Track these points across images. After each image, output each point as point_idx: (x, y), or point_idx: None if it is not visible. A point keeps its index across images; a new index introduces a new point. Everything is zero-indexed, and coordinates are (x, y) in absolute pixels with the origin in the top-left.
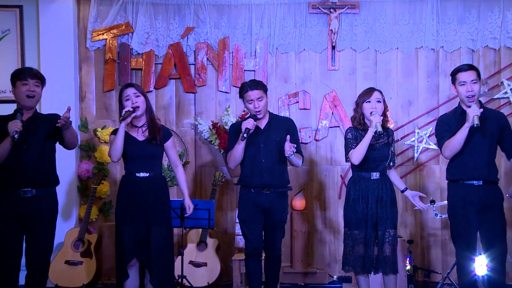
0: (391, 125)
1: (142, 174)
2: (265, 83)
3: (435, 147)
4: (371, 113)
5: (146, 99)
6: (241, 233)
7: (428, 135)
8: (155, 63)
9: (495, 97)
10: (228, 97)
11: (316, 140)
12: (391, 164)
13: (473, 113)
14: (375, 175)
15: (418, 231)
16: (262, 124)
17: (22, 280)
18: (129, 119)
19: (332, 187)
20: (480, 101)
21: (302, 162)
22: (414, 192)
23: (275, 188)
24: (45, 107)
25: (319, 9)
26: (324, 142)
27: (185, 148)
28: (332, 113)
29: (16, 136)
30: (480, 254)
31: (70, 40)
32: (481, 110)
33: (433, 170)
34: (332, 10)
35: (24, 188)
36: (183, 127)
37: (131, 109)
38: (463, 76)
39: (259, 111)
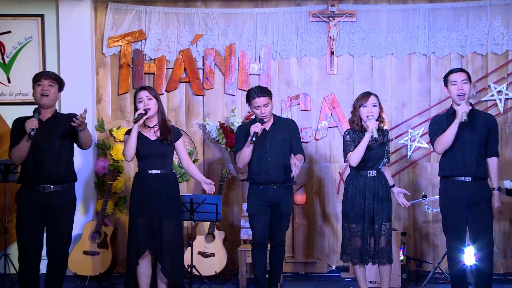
0: (385, 126)
1: (154, 171)
2: (269, 87)
3: (427, 146)
4: (367, 117)
5: (158, 102)
6: (246, 226)
7: (420, 134)
8: (166, 68)
9: (483, 99)
10: (234, 99)
11: (316, 140)
12: (385, 161)
13: (462, 109)
14: (372, 173)
15: (411, 224)
16: (268, 126)
17: (44, 269)
18: (141, 121)
19: (331, 183)
20: (470, 103)
21: (304, 161)
22: (400, 189)
23: (281, 183)
24: (65, 108)
25: (319, 17)
26: (324, 141)
27: (194, 147)
28: (331, 114)
29: (32, 133)
30: (469, 245)
31: (87, 47)
32: (470, 107)
33: (425, 167)
34: (331, 18)
35: (44, 184)
36: (192, 127)
37: (143, 112)
38: (454, 76)
39: (265, 116)
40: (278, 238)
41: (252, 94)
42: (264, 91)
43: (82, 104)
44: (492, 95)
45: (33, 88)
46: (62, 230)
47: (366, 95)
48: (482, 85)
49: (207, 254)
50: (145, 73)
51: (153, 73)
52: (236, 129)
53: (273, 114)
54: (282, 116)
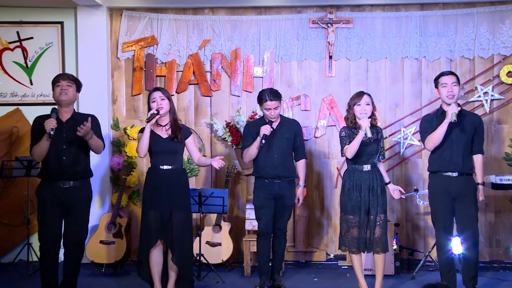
0: (378, 123)
1: (165, 167)
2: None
3: (418, 143)
4: (360, 114)
5: (170, 102)
6: (250, 218)
7: (412, 133)
8: (176, 71)
9: (470, 100)
10: (239, 100)
11: (316, 137)
12: (380, 157)
13: (452, 110)
14: (367, 167)
15: (403, 216)
16: (275, 125)
17: (62, 257)
18: (153, 120)
19: (329, 178)
20: (459, 104)
21: (307, 159)
22: (396, 186)
23: (285, 177)
24: (83, 108)
25: (318, 24)
26: (322, 139)
27: (202, 144)
28: (330, 114)
29: (51, 133)
30: (456, 236)
31: (103, 51)
32: (459, 108)
33: (416, 163)
34: (329, 24)
35: (63, 180)
36: (200, 126)
37: (156, 112)
38: (445, 79)
39: (273, 118)
40: (281, 227)
41: (264, 96)
42: (276, 96)
43: (99, 104)
44: (479, 96)
45: (53, 90)
46: (79, 222)
47: (360, 94)
48: (470, 87)
49: (214, 244)
50: (156, 76)
51: (164, 76)
52: (241, 127)
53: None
54: (286, 116)
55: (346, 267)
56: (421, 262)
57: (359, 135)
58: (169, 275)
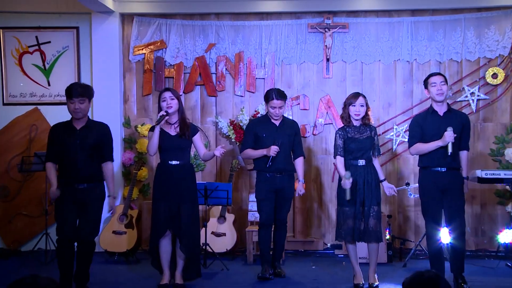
0: (372, 122)
1: (174, 162)
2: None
3: None
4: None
5: (179, 102)
6: (253, 210)
7: (404, 130)
8: (184, 73)
9: (458, 100)
10: (242, 100)
11: (314, 135)
12: (375, 153)
13: (450, 139)
14: (361, 162)
15: (396, 208)
16: (278, 121)
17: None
18: (163, 122)
19: (327, 172)
20: (447, 103)
21: (304, 158)
22: (390, 185)
23: (286, 172)
24: (97, 107)
25: (316, 29)
26: (320, 136)
27: (208, 141)
28: (327, 113)
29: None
30: (445, 226)
31: (116, 54)
32: (455, 135)
33: (408, 159)
34: (326, 29)
35: (78, 183)
36: (206, 124)
37: (164, 113)
38: (434, 79)
39: (277, 116)
40: (282, 218)
41: (271, 95)
42: (282, 96)
43: (112, 103)
44: (466, 97)
45: (67, 101)
46: (92, 220)
47: (356, 95)
48: (457, 88)
49: (219, 234)
50: (165, 77)
51: (173, 77)
52: (244, 125)
53: None
54: (286, 117)
55: (342, 255)
56: (412, 251)
57: (435, 143)
58: (177, 263)
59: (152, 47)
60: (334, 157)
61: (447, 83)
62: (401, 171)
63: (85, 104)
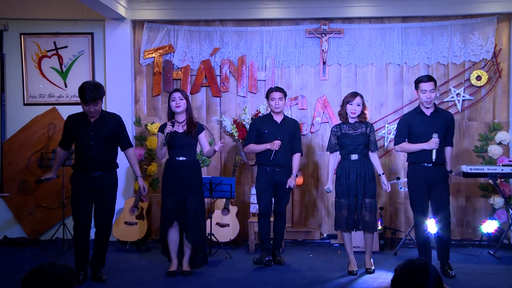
0: (368, 120)
1: (181, 158)
2: None
3: None
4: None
5: (188, 102)
6: (254, 202)
7: (395, 129)
8: (190, 75)
9: (445, 100)
10: (245, 100)
11: (311, 132)
12: (372, 148)
13: (436, 145)
14: (354, 157)
15: (387, 200)
16: (279, 119)
17: (92, 236)
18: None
19: (323, 168)
20: (434, 103)
21: (302, 154)
22: (385, 181)
23: (285, 166)
24: (110, 107)
25: (313, 34)
26: (317, 134)
27: (213, 139)
28: (323, 112)
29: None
30: (431, 217)
31: (128, 58)
32: (438, 140)
33: (398, 155)
34: (323, 35)
35: (93, 171)
36: (211, 122)
37: (171, 129)
38: (424, 86)
39: (278, 107)
40: (281, 210)
41: (271, 89)
42: (280, 89)
43: (124, 103)
44: (452, 97)
45: (81, 101)
46: (106, 206)
47: (354, 95)
48: (444, 89)
49: (223, 225)
50: (173, 79)
51: (180, 79)
52: (247, 124)
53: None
54: (287, 115)
55: (337, 244)
56: (402, 240)
57: (420, 146)
58: (184, 251)
59: (161, 51)
60: (327, 150)
61: (436, 88)
62: (392, 167)
63: (98, 105)
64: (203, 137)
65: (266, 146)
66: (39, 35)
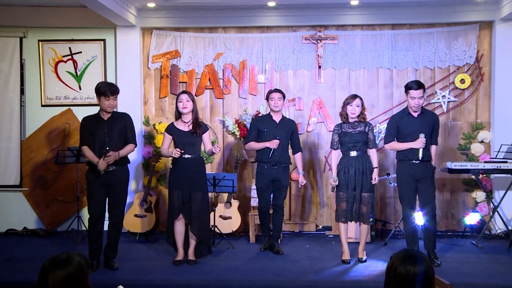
0: (367, 120)
1: (186, 156)
2: None
3: None
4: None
5: (194, 103)
6: (255, 197)
7: (385, 128)
8: (195, 78)
9: (431, 101)
10: (246, 102)
11: (308, 132)
12: (370, 145)
13: (422, 145)
14: (353, 153)
15: (377, 194)
16: (278, 119)
17: (105, 227)
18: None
19: (318, 164)
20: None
21: (302, 152)
22: (376, 175)
23: (281, 164)
24: (121, 108)
25: (310, 40)
26: (313, 133)
27: (216, 137)
28: (319, 113)
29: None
30: (419, 210)
31: (137, 62)
32: (425, 140)
33: (388, 153)
34: (318, 41)
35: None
36: (214, 122)
37: (179, 155)
38: (413, 93)
39: (277, 107)
40: (279, 204)
41: (271, 90)
42: (279, 90)
43: (133, 105)
44: (438, 99)
45: (100, 98)
46: (119, 199)
47: (353, 96)
48: (431, 91)
49: (226, 217)
50: (179, 82)
51: (186, 82)
52: (248, 124)
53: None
54: (285, 116)
55: (332, 236)
56: (392, 231)
57: (408, 145)
58: (189, 242)
59: (168, 56)
60: (330, 148)
61: (424, 94)
62: (382, 164)
63: (116, 101)
64: (206, 136)
65: (266, 144)
66: (55, 42)
